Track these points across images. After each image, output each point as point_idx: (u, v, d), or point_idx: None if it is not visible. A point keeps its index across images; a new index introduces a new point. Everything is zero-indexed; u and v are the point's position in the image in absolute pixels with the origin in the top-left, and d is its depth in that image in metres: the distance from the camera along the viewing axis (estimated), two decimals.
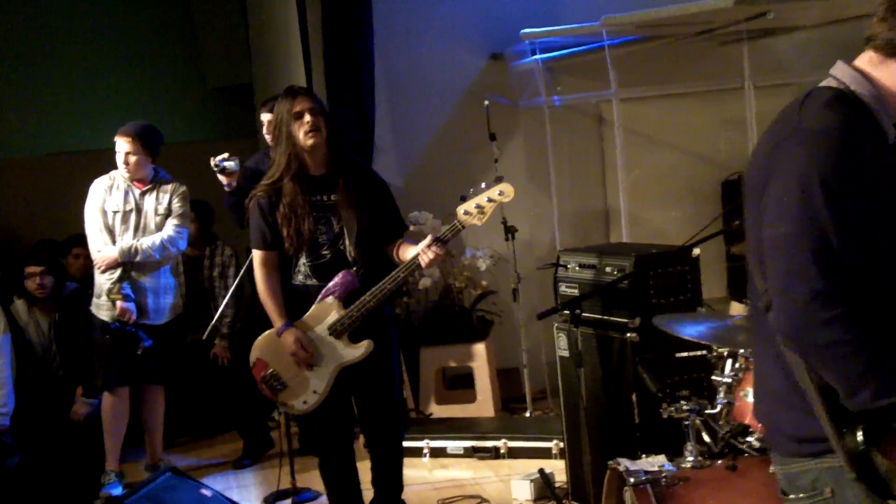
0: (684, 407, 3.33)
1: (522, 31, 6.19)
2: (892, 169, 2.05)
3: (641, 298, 4.02)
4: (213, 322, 5.43)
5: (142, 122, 5.25)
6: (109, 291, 5.09)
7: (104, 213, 5.17)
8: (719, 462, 3.23)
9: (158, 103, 8.24)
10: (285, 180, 3.99)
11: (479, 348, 6.18)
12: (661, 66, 6.36)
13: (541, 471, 4.56)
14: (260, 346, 4.12)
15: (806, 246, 1.96)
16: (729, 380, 3.29)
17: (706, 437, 3.39)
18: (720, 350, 3.35)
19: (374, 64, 6.23)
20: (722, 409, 3.29)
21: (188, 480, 4.18)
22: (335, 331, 3.99)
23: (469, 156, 6.59)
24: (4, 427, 5.09)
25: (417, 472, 5.26)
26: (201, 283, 6.13)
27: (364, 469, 4.26)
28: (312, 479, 4.83)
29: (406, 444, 4.59)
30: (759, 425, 2.95)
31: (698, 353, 3.49)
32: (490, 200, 3.89)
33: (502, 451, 5.36)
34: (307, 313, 4.02)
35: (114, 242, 5.14)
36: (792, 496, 2.13)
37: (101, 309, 5.18)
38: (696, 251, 4.12)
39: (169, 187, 5.25)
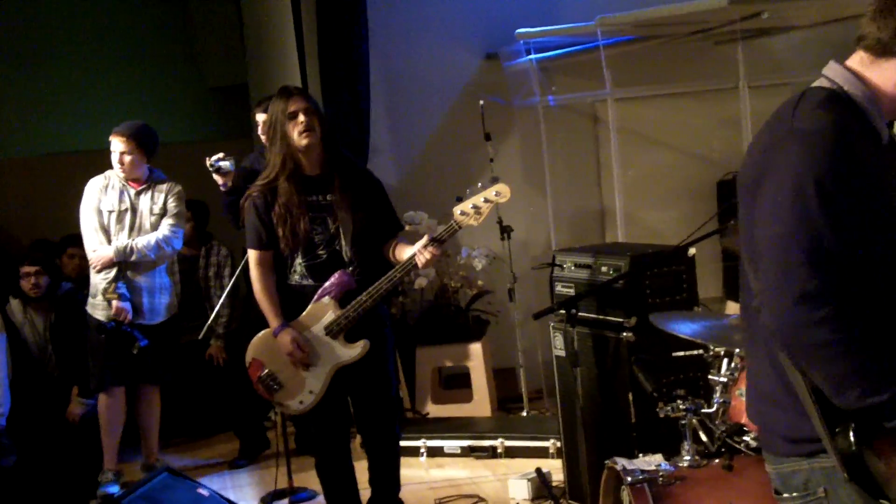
0: (681, 406, 3.34)
1: (517, 30, 6.20)
2: (885, 169, 2.05)
3: (637, 298, 4.03)
4: (209, 322, 5.42)
5: (137, 122, 5.25)
6: (105, 291, 5.09)
7: (99, 212, 5.17)
8: (716, 461, 3.24)
9: (155, 103, 8.24)
10: (280, 180, 3.99)
11: (476, 348, 6.18)
12: (657, 65, 6.37)
13: (538, 470, 4.57)
14: (256, 346, 4.12)
15: (798, 246, 1.96)
16: (725, 379, 3.30)
17: (703, 437, 3.40)
18: (716, 349, 3.35)
19: (370, 63, 6.22)
20: (718, 409, 3.30)
21: (185, 480, 4.17)
22: (331, 331, 3.99)
23: (464, 155, 6.59)
24: (0, 427, 5.08)
25: (414, 472, 5.26)
26: (197, 283, 6.12)
27: (361, 468, 4.26)
28: (309, 479, 4.83)
29: (403, 443, 4.59)
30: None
31: (694, 352, 3.50)
32: (486, 201, 3.89)
33: (499, 450, 5.37)
34: (303, 313, 4.03)
35: (109, 242, 5.14)
36: (785, 495, 2.13)
37: (97, 309, 5.17)
38: (692, 251, 4.12)
39: (164, 187, 5.25)
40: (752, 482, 3.02)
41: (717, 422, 3.31)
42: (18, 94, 8.06)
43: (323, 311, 4.01)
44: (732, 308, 3.47)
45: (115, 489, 5.14)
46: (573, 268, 4.32)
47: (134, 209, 5.19)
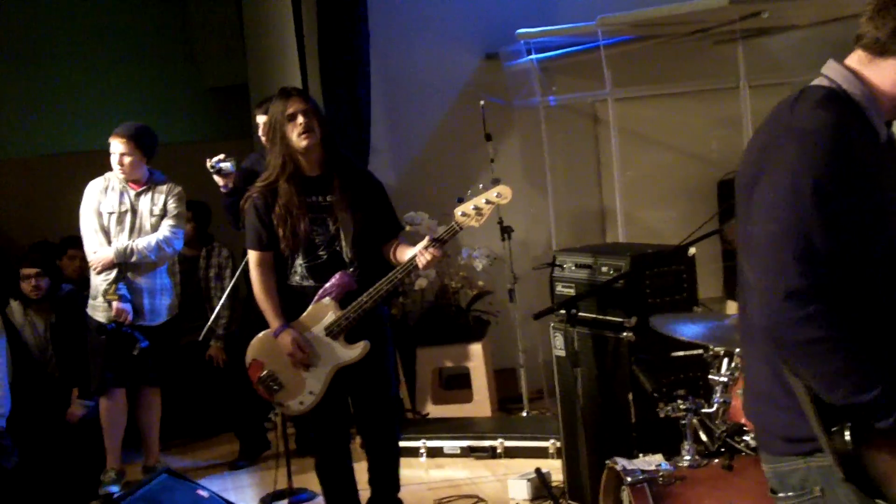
0: (681, 406, 3.33)
1: (518, 31, 6.20)
2: (883, 168, 2.05)
3: (637, 298, 4.03)
4: (209, 323, 5.42)
5: (136, 123, 5.24)
6: (105, 292, 5.09)
7: (99, 214, 5.17)
8: (716, 461, 3.24)
9: (154, 104, 8.24)
10: (281, 181, 4.00)
11: (476, 348, 6.18)
12: (657, 65, 6.37)
13: (537, 470, 4.57)
14: (256, 346, 4.12)
15: (789, 244, 1.96)
16: (725, 379, 3.29)
17: (703, 437, 3.39)
18: (716, 349, 3.35)
19: (370, 64, 6.22)
20: (718, 409, 3.30)
21: (185, 481, 4.17)
22: (332, 332, 3.99)
23: (465, 156, 6.59)
24: (1, 429, 5.08)
25: (414, 472, 5.26)
26: (197, 284, 6.12)
27: (361, 469, 4.26)
28: (309, 480, 4.82)
29: (403, 444, 4.59)
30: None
31: (694, 352, 3.50)
32: (488, 202, 3.90)
33: (499, 450, 5.36)
34: (304, 314, 4.03)
35: (109, 244, 5.14)
36: (781, 495, 2.13)
37: (97, 310, 5.17)
38: (692, 251, 4.12)
39: (164, 188, 5.25)
40: (752, 482, 3.02)
41: (717, 421, 3.31)
42: (18, 94, 8.06)
43: (323, 312, 4.01)
44: (733, 308, 3.47)
45: (115, 489, 5.14)
46: (573, 268, 4.32)
47: (134, 210, 5.19)
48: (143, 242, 5.13)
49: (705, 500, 3.13)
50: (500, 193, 3.91)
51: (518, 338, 6.11)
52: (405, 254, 4.00)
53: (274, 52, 7.05)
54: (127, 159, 5.12)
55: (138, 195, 5.21)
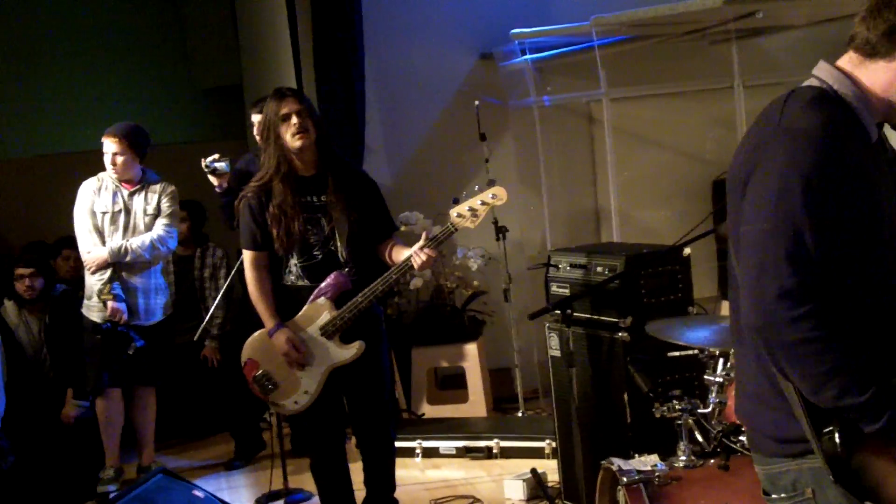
0: (676, 406, 3.34)
1: (512, 31, 6.20)
2: (874, 168, 2.05)
3: (632, 298, 4.03)
4: (204, 324, 5.41)
5: (128, 123, 5.24)
6: (100, 292, 5.09)
7: (93, 214, 5.17)
8: (712, 461, 3.24)
9: (149, 104, 8.22)
10: (275, 181, 4.00)
11: (471, 348, 6.18)
12: (651, 65, 6.38)
13: (533, 470, 4.57)
14: (251, 346, 4.12)
15: (780, 243, 1.96)
16: (721, 379, 3.30)
17: (699, 437, 3.39)
18: (712, 349, 3.35)
19: (365, 64, 6.22)
20: (714, 409, 3.30)
21: (180, 482, 4.16)
22: (327, 331, 3.99)
23: (459, 156, 6.59)
24: None
25: (410, 473, 5.26)
26: (191, 284, 6.11)
27: (356, 469, 4.26)
28: (304, 480, 4.82)
29: (398, 444, 4.59)
30: None
31: (690, 352, 3.50)
32: (483, 203, 3.92)
33: (495, 450, 5.37)
34: (299, 314, 4.03)
35: (103, 243, 5.14)
36: (774, 496, 2.13)
37: (92, 311, 5.17)
38: (687, 251, 4.12)
39: (157, 187, 5.25)
40: (748, 482, 3.01)
41: (712, 422, 3.31)
42: (12, 94, 8.04)
43: (319, 312, 4.01)
44: (727, 308, 3.46)
45: (113, 487, 5.14)
46: (568, 268, 4.32)
47: (128, 210, 5.19)
48: (138, 242, 5.13)
49: (701, 501, 3.13)
50: (496, 195, 3.92)
51: (513, 338, 6.11)
52: (400, 254, 4.01)
53: (268, 52, 7.04)
54: (119, 159, 5.12)
55: (132, 195, 5.21)
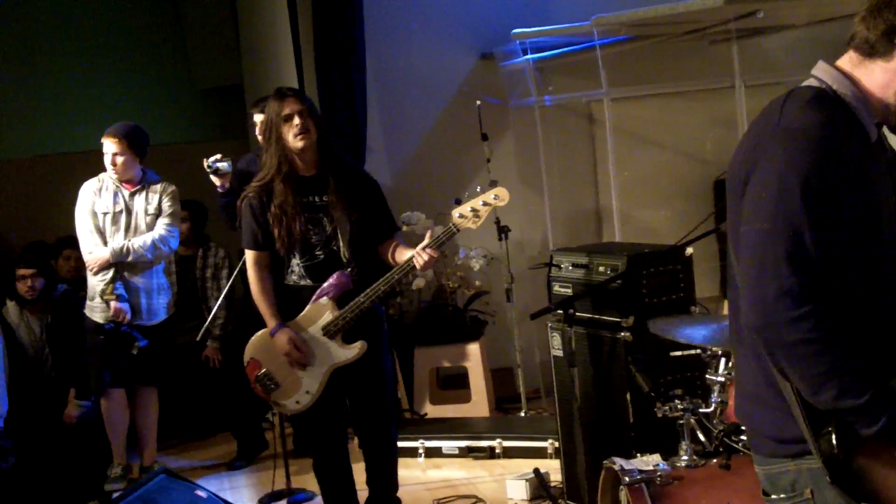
0: (678, 406, 3.34)
1: (513, 31, 6.20)
2: (871, 169, 2.05)
3: (634, 298, 4.03)
4: (206, 324, 5.42)
5: (128, 123, 5.25)
6: (103, 292, 5.09)
7: (94, 214, 5.17)
8: (713, 461, 3.25)
9: (149, 104, 8.22)
10: (276, 181, 4.00)
11: (473, 348, 6.18)
12: (652, 65, 6.38)
13: (535, 470, 4.57)
14: (254, 345, 4.13)
15: (780, 243, 1.96)
16: (723, 378, 3.29)
17: (700, 436, 3.40)
18: (714, 349, 3.35)
19: (365, 64, 6.22)
20: (716, 408, 3.29)
21: (182, 482, 4.17)
22: (329, 331, 3.99)
23: (460, 156, 6.59)
24: None
25: (412, 473, 5.26)
26: (193, 284, 6.11)
27: (359, 469, 4.26)
28: (307, 480, 4.83)
29: (401, 444, 4.60)
30: None
31: (692, 352, 3.50)
32: (485, 204, 3.92)
33: (497, 450, 5.37)
34: (301, 314, 4.03)
35: (105, 244, 5.14)
36: (773, 496, 2.13)
37: (95, 311, 5.17)
38: (689, 250, 4.12)
39: (158, 187, 5.25)
40: (749, 481, 3.00)
41: (714, 421, 3.31)
42: (11, 95, 8.03)
43: (321, 312, 4.01)
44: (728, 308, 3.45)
45: (120, 485, 5.15)
46: (570, 268, 4.32)
47: (129, 210, 5.19)
48: (139, 241, 5.13)
49: (703, 500, 3.13)
50: (498, 195, 3.93)
51: (515, 338, 6.11)
52: (403, 255, 4.01)
53: (269, 52, 7.04)
54: (120, 159, 5.12)
55: (132, 195, 5.21)
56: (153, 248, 5.15)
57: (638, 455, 3.39)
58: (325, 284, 4.00)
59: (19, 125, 8.10)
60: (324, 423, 4.15)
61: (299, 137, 3.94)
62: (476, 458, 5.39)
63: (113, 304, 5.06)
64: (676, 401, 3.35)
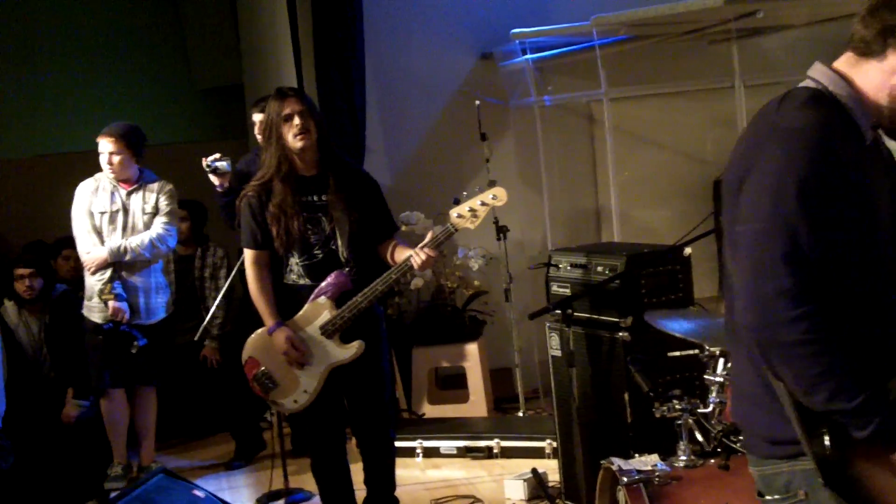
0: (677, 406, 3.33)
1: (513, 30, 6.20)
2: (867, 170, 2.05)
3: (633, 298, 4.02)
4: (204, 324, 5.42)
5: (124, 123, 5.25)
6: (101, 292, 5.09)
7: (91, 214, 5.17)
8: (712, 461, 3.24)
9: (148, 104, 8.22)
10: (275, 181, 4.00)
11: (472, 348, 6.18)
12: (652, 65, 6.38)
13: (534, 470, 4.57)
14: (252, 344, 4.13)
15: (776, 243, 1.96)
16: (721, 379, 3.29)
17: (699, 437, 3.39)
18: (712, 349, 3.35)
19: (365, 64, 6.22)
20: (714, 409, 3.29)
21: (180, 481, 4.16)
22: (326, 331, 3.99)
23: (460, 156, 6.59)
24: None
25: (410, 472, 5.26)
26: (192, 284, 6.11)
27: (357, 469, 4.26)
28: (305, 480, 4.82)
29: (399, 444, 4.59)
30: None
31: (690, 352, 3.49)
32: (483, 204, 3.93)
33: (495, 450, 5.36)
34: (299, 313, 4.03)
35: (102, 244, 5.14)
36: (768, 497, 2.13)
37: (93, 311, 5.17)
38: (688, 250, 4.12)
39: (155, 186, 5.25)
40: (748, 482, 2.98)
41: (712, 421, 3.30)
42: (10, 95, 8.04)
43: (319, 311, 4.01)
44: None
45: (120, 484, 5.14)
46: (569, 268, 4.32)
47: (126, 210, 5.19)
48: (137, 241, 5.13)
49: (701, 500, 3.13)
50: (496, 195, 3.94)
51: (514, 338, 6.11)
52: (402, 255, 4.02)
53: (269, 52, 7.04)
54: (116, 158, 5.12)
55: (129, 194, 5.21)
56: (151, 247, 5.15)
57: (636, 455, 3.39)
58: (324, 284, 4.00)
59: (19, 125, 8.10)
60: (322, 422, 4.15)
61: (299, 138, 3.95)
62: (474, 458, 5.39)
63: (111, 303, 5.06)
64: (675, 401, 3.35)
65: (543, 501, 4.55)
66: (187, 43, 8.46)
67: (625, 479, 3.18)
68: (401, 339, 6.16)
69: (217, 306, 5.55)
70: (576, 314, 4.05)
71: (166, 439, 5.98)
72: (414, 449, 5.47)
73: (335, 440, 4.19)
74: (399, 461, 4.40)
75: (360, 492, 4.28)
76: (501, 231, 5.89)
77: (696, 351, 3.45)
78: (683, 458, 3.30)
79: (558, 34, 6.15)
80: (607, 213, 6.31)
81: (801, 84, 2.12)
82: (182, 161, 5.95)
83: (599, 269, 4.15)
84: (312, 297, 4.01)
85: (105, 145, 5.12)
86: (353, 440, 4.31)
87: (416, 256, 3.88)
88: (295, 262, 4.04)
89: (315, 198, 4.04)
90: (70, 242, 5.66)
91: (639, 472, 3.20)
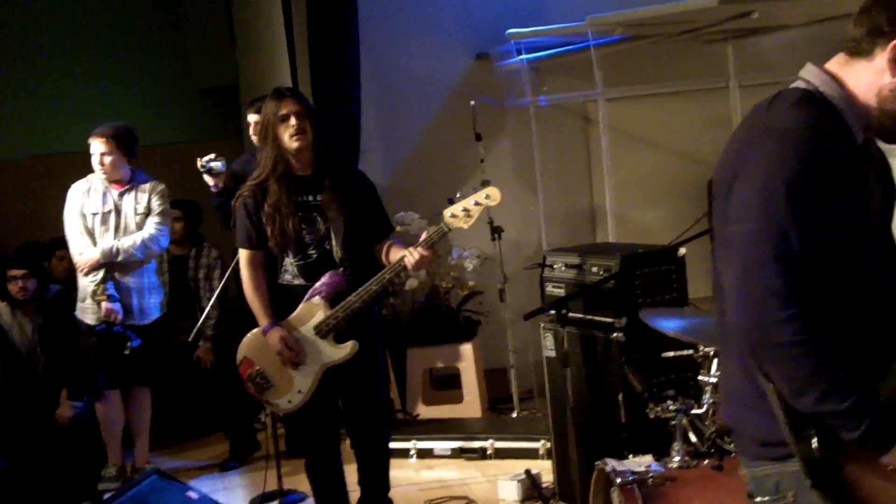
0: (671, 407, 3.33)
1: (508, 31, 6.19)
2: (858, 171, 2.04)
3: (628, 298, 4.02)
4: (199, 324, 5.41)
5: (116, 123, 5.23)
6: (94, 293, 5.08)
7: (83, 215, 5.16)
8: (705, 462, 3.24)
9: (144, 104, 8.21)
10: (271, 181, 4.00)
11: (466, 349, 6.17)
12: (647, 65, 6.38)
13: (527, 471, 4.57)
14: (247, 344, 4.13)
15: (766, 244, 1.95)
16: (715, 379, 3.29)
17: (692, 437, 3.39)
18: (706, 349, 3.35)
19: (361, 64, 6.21)
20: (708, 409, 3.30)
21: (174, 482, 4.17)
22: (320, 331, 3.99)
23: (455, 156, 6.58)
24: None
25: (404, 473, 5.25)
26: (186, 284, 6.10)
27: (351, 470, 4.25)
28: (299, 481, 4.81)
29: (393, 444, 4.59)
30: None
31: (684, 352, 3.49)
32: (477, 204, 3.92)
33: (489, 451, 5.36)
34: (293, 313, 4.02)
35: (94, 245, 5.13)
36: (758, 499, 2.13)
37: (87, 313, 5.16)
38: (682, 251, 4.12)
39: (147, 186, 5.24)
40: (741, 483, 3.01)
41: (706, 422, 3.30)
42: (7, 94, 8.02)
43: (313, 311, 4.00)
44: None
45: (114, 485, 5.14)
46: (563, 268, 4.32)
47: (118, 210, 5.18)
48: (129, 241, 5.12)
49: (695, 501, 3.13)
50: (489, 195, 3.93)
51: (508, 338, 6.11)
52: (397, 255, 4.01)
53: (265, 52, 7.03)
54: (107, 159, 5.11)
55: (121, 195, 5.20)
56: (143, 248, 5.14)
57: (630, 456, 3.39)
58: (318, 284, 4.00)
59: (15, 125, 8.08)
60: (316, 423, 4.15)
61: (295, 138, 3.94)
62: (468, 458, 5.38)
63: (104, 304, 5.05)
64: (669, 402, 3.35)
65: (537, 502, 4.55)
66: (186, 43, 8.45)
67: (619, 480, 3.18)
68: (395, 339, 6.15)
69: (211, 307, 5.54)
70: (570, 314, 4.04)
71: (161, 440, 5.97)
72: (408, 450, 5.47)
73: (329, 440, 4.19)
74: (393, 462, 4.39)
75: (354, 492, 4.27)
76: (496, 231, 5.89)
77: (691, 351, 3.45)
78: (677, 458, 3.30)
79: (554, 34, 6.15)
80: (602, 214, 6.31)
81: (793, 85, 2.12)
82: (180, 161, 5.93)
83: (594, 269, 4.14)
84: (307, 297, 4.01)
85: (96, 146, 5.11)
86: (348, 440, 4.31)
87: (410, 256, 3.88)
88: (290, 262, 4.04)
89: (310, 198, 4.04)
90: (64, 243, 5.65)
91: (632, 472, 3.20)
